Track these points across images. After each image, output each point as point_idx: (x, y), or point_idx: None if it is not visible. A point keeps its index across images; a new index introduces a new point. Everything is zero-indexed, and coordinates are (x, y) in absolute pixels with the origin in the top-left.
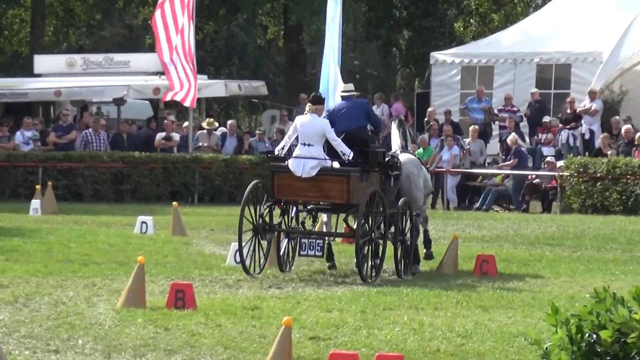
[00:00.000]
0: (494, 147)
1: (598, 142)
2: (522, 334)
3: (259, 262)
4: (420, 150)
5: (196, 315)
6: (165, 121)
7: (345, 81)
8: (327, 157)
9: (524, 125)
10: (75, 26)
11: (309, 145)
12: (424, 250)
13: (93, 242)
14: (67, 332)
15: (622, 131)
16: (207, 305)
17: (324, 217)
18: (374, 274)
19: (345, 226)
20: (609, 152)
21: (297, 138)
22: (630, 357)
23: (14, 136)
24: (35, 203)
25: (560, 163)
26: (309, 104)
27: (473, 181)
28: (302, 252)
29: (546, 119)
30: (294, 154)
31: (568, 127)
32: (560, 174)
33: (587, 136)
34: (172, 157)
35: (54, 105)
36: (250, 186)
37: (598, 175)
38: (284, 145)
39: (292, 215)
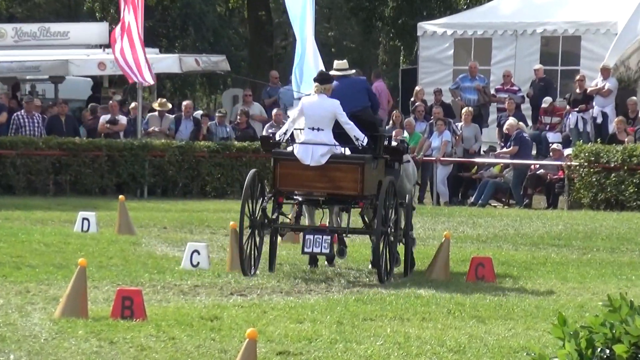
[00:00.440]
0: (491, 132)
1: (612, 127)
2: (523, 348)
3: (254, 261)
4: (406, 135)
5: (146, 327)
6: (110, 102)
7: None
8: (337, 143)
9: (526, 108)
10: None
11: (317, 129)
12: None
13: (27, 242)
14: None
15: None
16: (158, 315)
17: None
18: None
19: (345, 222)
20: (625, 139)
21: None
22: None
23: None
24: None
25: (567, 151)
26: (316, 83)
27: (467, 172)
28: (306, 249)
29: (550, 100)
30: (300, 140)
31: (577, 109)
32: (568, 163)
33: (599, 120)
34: (118, 143)
35: None
36: (249, 176)
37: (612, 165)
38: (287, 130)
39: (295, 211)
